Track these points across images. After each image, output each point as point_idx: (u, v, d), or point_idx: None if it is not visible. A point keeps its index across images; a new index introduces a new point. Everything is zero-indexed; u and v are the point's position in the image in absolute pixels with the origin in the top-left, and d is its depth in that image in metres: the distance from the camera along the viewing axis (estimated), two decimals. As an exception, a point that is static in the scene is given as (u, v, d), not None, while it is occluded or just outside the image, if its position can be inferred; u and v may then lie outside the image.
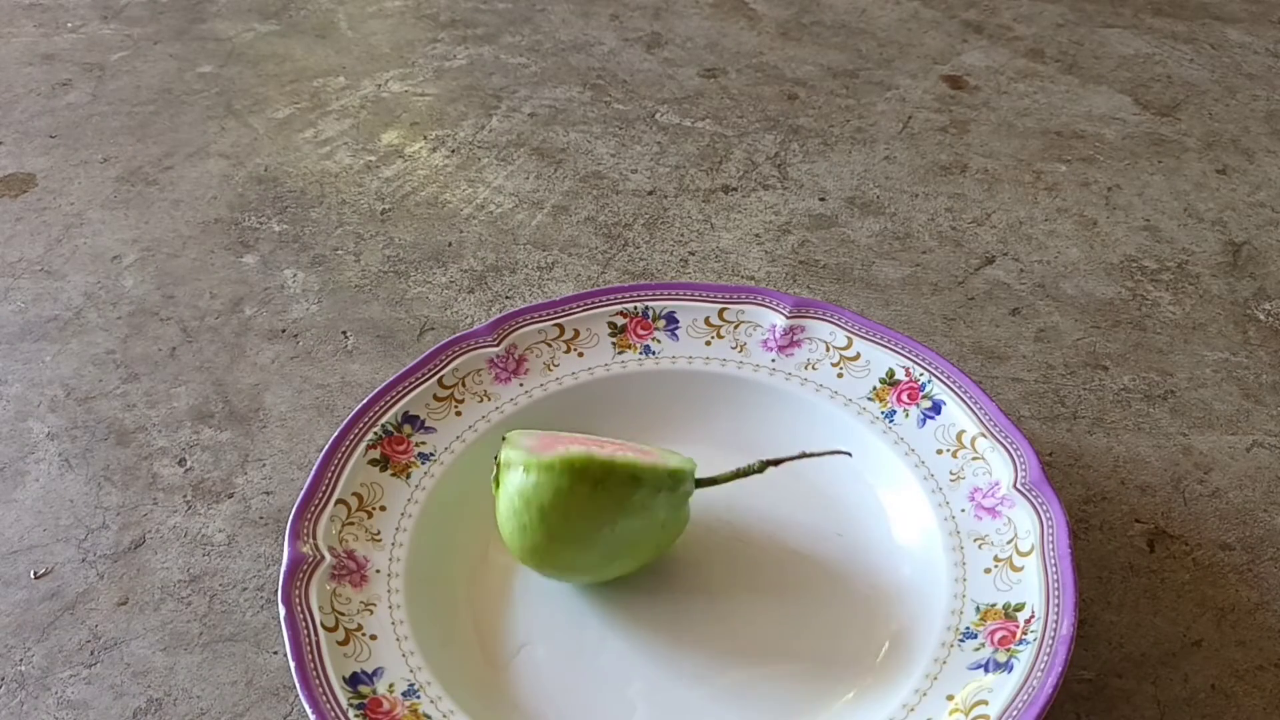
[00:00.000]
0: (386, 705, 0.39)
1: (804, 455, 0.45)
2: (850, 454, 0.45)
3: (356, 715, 0.38)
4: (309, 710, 0.38)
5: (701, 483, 0.44)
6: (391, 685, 0.40)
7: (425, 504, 0.46)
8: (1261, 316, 0.60)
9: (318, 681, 0.39)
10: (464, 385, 0.50)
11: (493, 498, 0.44)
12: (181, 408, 0.54)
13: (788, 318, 0.52)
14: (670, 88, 0.78)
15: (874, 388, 0.50)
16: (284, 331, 0.59)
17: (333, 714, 0.38)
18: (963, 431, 0.48)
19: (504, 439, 0.44)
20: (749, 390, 0.51)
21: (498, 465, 0.43)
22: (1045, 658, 0.40)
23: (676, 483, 0.43)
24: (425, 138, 0.74)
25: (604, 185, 0.69)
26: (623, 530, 0.42)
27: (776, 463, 0.44)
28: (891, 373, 0.50)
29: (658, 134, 0.74)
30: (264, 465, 0.52)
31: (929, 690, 0.41)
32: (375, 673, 0.40)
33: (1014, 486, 0.45)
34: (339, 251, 0.64)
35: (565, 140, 0.73)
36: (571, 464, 0.41)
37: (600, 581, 0.45)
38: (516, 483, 0.42)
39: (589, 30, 0.85)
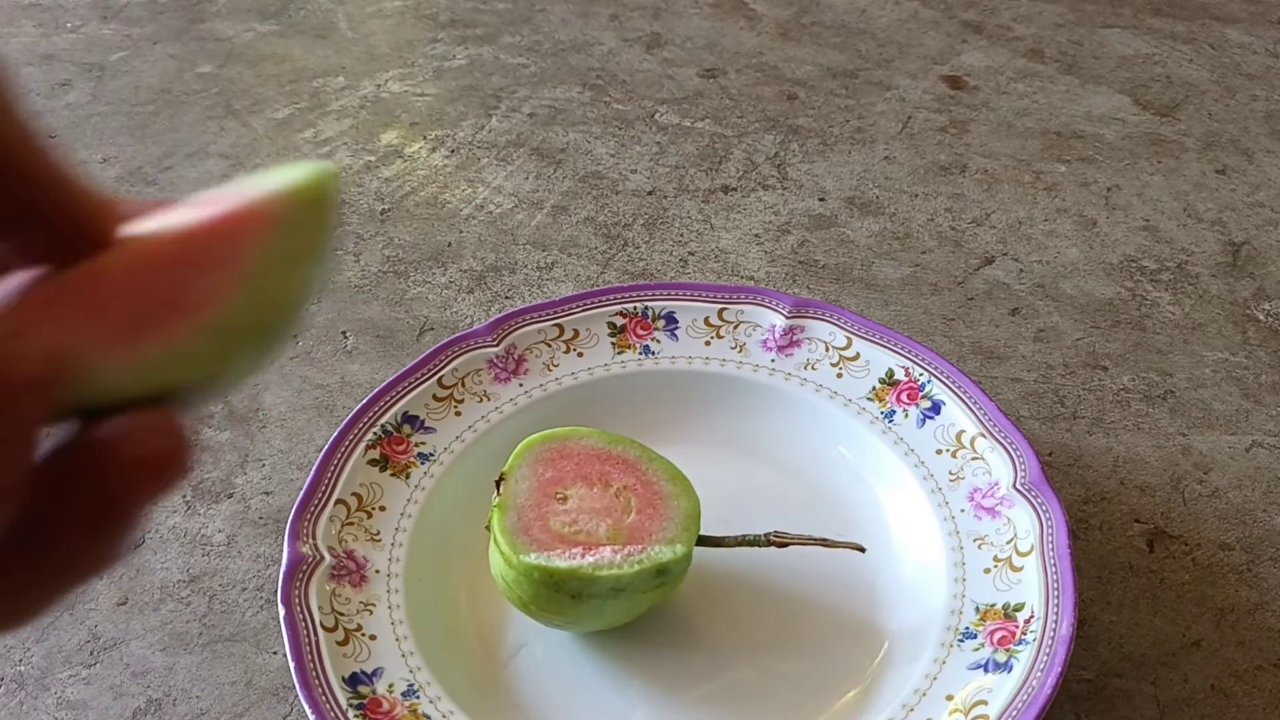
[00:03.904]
0: (386, 705, 0.39)
1: (821, 543, 0.44)
2: (864, 550, 0.44)
3: (356, 715, 0.38)
4: (309, 710, 0.38)
5: (705, 541, 0.43)
6: (391, 685, 0.40)
7: (425, 504, 0.46)
8: (1261, 316, 0.60)
9: (317, 682, 0.39)
10: (464, 385, 0.50)
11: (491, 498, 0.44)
12: (181, 408, 0.54)
13: (787, 318, 0.52)
14: (670, 88, 0.78)
15: (873, 388, 0.50)
16: (284, 331, 0.59)
17: (332, 714, 0.38)
18: (962, 432, 0.48)
19: (501, 478, 0.42)
20: (749, 390, 0.51)
21: (491, 518, 0.42)
22: (1045, 658, 0.40)
23: (665, 576, 0.41)
24: (425, 138, 0.74)
25: (603, 185, 0.69)
26: (611, 610, 0.41)
27: (783, 544, 0.43)
28: (891, 373, 0.50)
29: (657, 134, 0.74)
30: (263, 465, 0.52)
31: (929, 690, 0.41)
32: (375, 673, 0.40)
33: (1013, 487, 0.45)
34: (338, 251, 0.64)
35: (565, 140, 0.73)
36: (550, 575, 0.40)
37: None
38: (499, 565, 0.41)
39: (588, 30, 0.85)
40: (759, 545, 0.43)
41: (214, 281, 0.18)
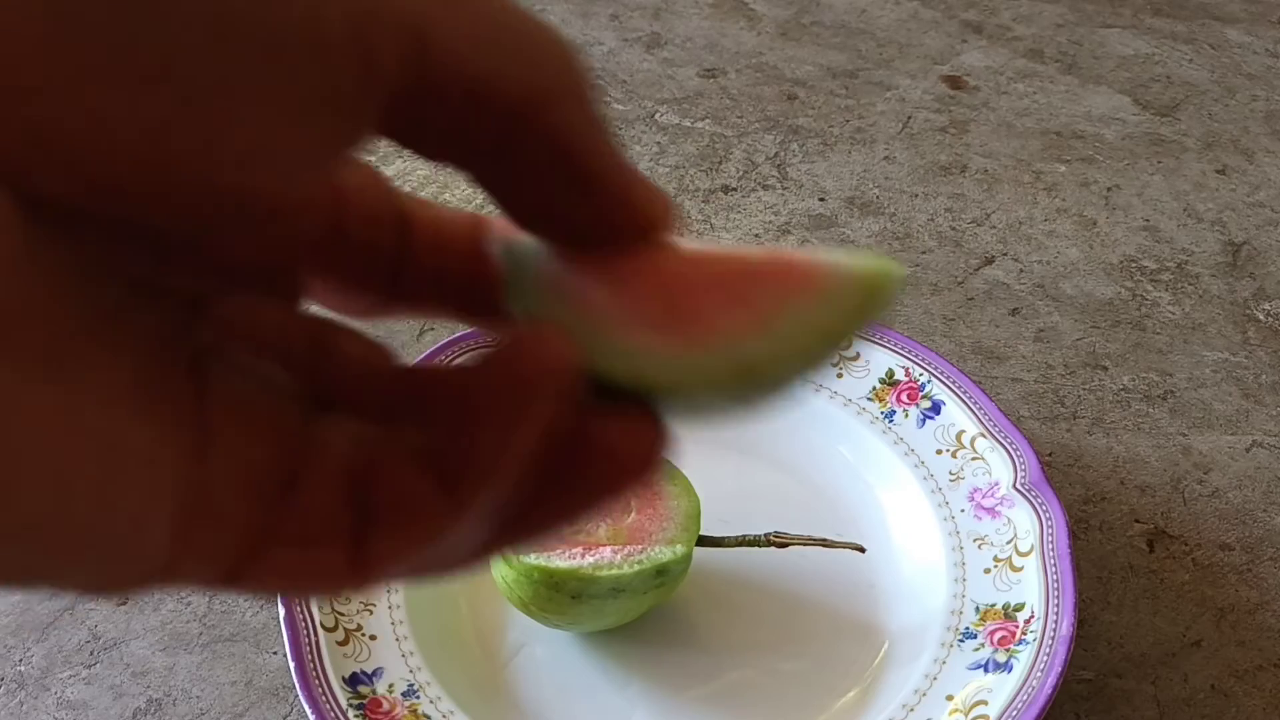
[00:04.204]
0: (386, 705, 0.39)
1: (821, 543, 0.44)
2: (864, 550, 0.44)
3: (356, 715, 0.38)
4: (309, 710, 0.38)
5: (704, 542, 0.43)
6: (391, 685, 0.40)
7: (425, 504, 0.46)
8: (1261, 316, 0.60)
9: (317, 682, 0.39)
10: (464, 385, 0.50)
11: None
12: (181, 408, 0.54)
13: (787, 318, 0.52)
14: (670, 88, 0.78)
15: (874, 388, 0.50)
16: (283, 332, 0.59)
17: (332, 714, 0.38)
18: (962, 432, 0.48)
19: None
20: (749, 390, 0.51)
21: None
22: (1045, 658, 0.40)
23: (665, 576, 0.41)
24: (425, 138, 0.74)
25: (603, 185, 0.69)
26: (611, 610, 0.41)
27: (783, 545, 0.43)
28: (891, 373, 0.50)
29: (657, 134, 0.74)
30: (264, 465, 0.52)
31: (929, 690, 0.41)
32: (375, 673, 0.40)
33: (1013, 487, 0.45)
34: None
35: (565, 140, 0.73)
36: (550, 575, 0.39)
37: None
38: (499, 565, 0.41)
39: (588, 30, 0.85)
40: (759, 545, 0.43)
41: (742, 317, 0.19)
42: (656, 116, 0.75)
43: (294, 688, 0.41)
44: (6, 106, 0.12)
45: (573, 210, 0.17)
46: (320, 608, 0.41)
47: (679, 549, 0.41)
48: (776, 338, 0.19)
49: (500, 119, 0.16)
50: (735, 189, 0.69)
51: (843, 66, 0.81)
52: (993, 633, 0.42)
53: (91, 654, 0.44)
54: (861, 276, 0.19)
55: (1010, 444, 0.47)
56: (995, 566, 0.44)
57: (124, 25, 0.12)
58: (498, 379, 0.16)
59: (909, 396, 0.50)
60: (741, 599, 0.45)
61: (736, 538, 0.43)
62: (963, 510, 0.46)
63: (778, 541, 0.43)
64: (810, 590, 0.45)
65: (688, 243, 0.20)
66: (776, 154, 0.72)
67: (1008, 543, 0.44)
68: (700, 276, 0.19)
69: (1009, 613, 0.42)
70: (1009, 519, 0.45)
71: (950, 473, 0.47)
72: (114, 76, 0.12)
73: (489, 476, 0.16)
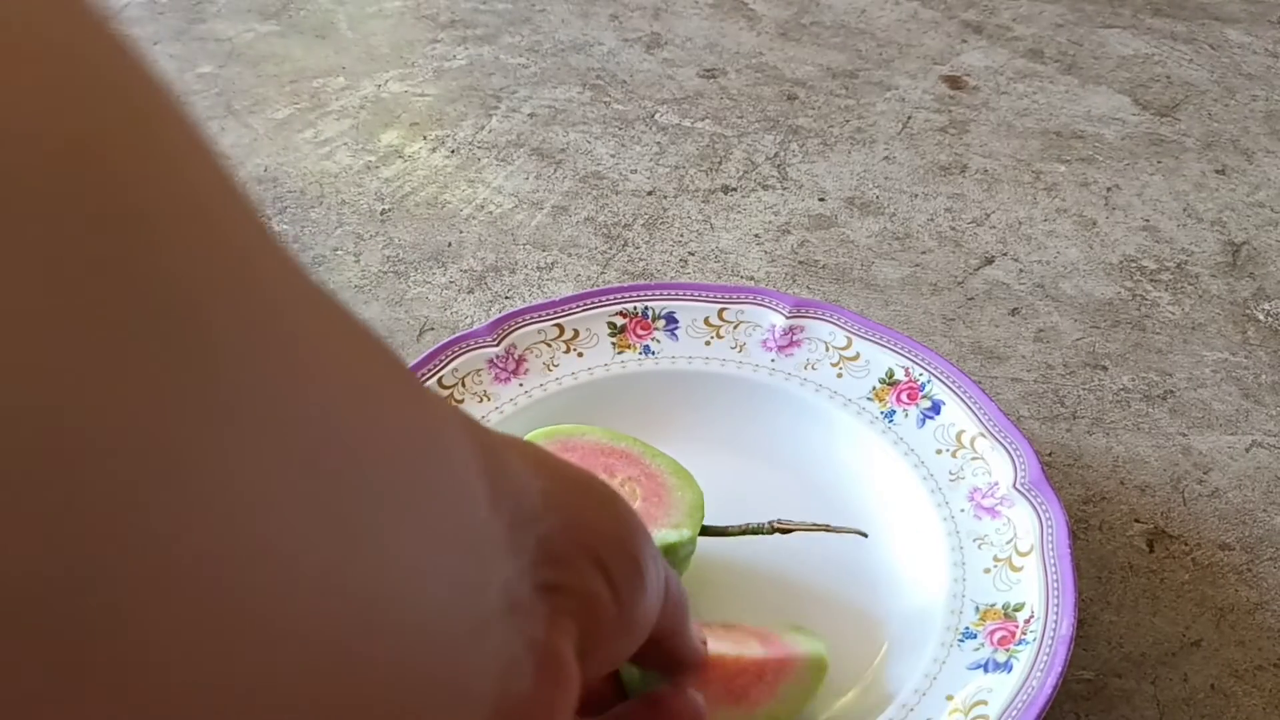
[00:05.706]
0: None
1: (824, 528, 0.44)
2: (866, 535, 0.44)
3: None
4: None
5: (708, 531, 0.43)
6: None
7: (425, 504, 0.46)
8: (1260, 316, 0.60)
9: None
10: (463, 385, 0.50)
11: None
12: (181, 408, 0.54)
13: (787, 318, 0.52)
14: (670, 88, 0.78)
15: (873, 388, 0.50)
16: (284, 332, 0.59)
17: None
18: (962, 431, 0.48)
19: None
20: (749, 390, 0.51)
21: None
22: (1044, 658, 0.40)
23: (672, 558, 0.41)
24: (425, 138, 0.74)
25: (603, 185, 0.69)
26: None
27: (786, 530, 0.44)
28: (891, 373, 0.50)
29: (657, 134, 0.74)
30: (264, 465, 0.52)
31: (928, 690, 0.41)
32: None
33: (1013, 486, 0.45)
34: (338, 252, 0.64)
35: (565, 140, 0.73)
36: None
37: None
38: None
39: (588, 30, 0.85)
40: (762, 533, 0.43)
41: (764, 691, 0.38)
42: (656, 116, 0.75)
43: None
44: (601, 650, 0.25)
45: (669, 666, 0.31)
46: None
47: (685, 532, 0.41)
48: (781, 701, 0.38)
49: (648, 641, 0.28)
50: (735, 189, 0.69)
51: (842, 66, 0.81)
52: (992, 632, 0.42)
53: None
54: (815, 661, 0.39)
55: (1010, 444, 0.46)
56: (995, 566, 0.44)
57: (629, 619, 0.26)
58: (677, 709, 0.31)
59: (909, 396, 0.50)
60: (741, 600, 0.45)
61: (739, 526, 0.44)
62: (962, 510, 0.46)
63: (781, 529, 0.43)
64: (809, 590, 0.45)
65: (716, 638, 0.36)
66: (776, 154, 0.72)
67: (1007, 543, 0.44)
68: (739, 669, 0.37)
69: (1009, 612, 0.42)
70: (1009, 519, 0.45)
71: (950, 472, 0.47)
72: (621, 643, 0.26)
73: None
